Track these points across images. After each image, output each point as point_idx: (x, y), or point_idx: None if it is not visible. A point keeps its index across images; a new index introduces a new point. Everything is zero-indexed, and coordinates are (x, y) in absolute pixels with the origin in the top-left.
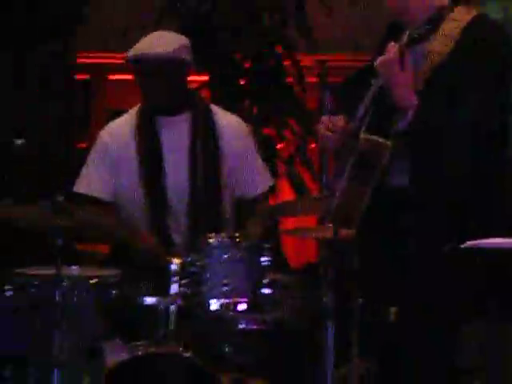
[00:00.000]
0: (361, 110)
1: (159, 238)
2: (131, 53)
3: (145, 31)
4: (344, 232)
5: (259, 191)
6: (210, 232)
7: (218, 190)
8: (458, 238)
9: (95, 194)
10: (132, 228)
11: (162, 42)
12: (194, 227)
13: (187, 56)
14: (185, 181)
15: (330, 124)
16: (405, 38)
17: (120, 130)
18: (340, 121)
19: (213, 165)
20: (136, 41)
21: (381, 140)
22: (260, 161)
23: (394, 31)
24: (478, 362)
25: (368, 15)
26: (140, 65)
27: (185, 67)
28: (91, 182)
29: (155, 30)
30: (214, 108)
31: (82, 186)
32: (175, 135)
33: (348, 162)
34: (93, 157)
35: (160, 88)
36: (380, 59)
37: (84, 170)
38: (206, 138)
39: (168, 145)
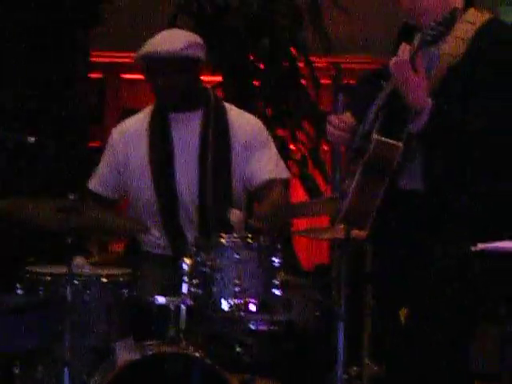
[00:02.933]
0: (372, 112)
1: (171, 236)
2: (141, 51)
3: (159, 30)
4: (356, 233)
5: (268, 177)
6: (222, 230)
7: (229, 187)
8: (472, 242)
9: (103, 192)
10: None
11: (172, 40)
12: (204, 225)
13: (198, 53)
14: (195, 178)
15: (338, 122)
16: (418, 39)
17: (132, 129)
18: (347, 118)
19: (223, 162)
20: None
21: (393, 142)
22: (274, 153)
23: (407, 33)
24: (493, 367)
25: (383, 16)
26: (150, 63)
27: (196, 64)
28: (100, 179)
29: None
30: (228, 106)
31: (92, 183)
32: (187, 132)
33: (359, 164)
34: (104, 154)
35: (171, 85)
36: (393, 61)
37: (96, 168)
38: (217, 135)
39: (179, 142)
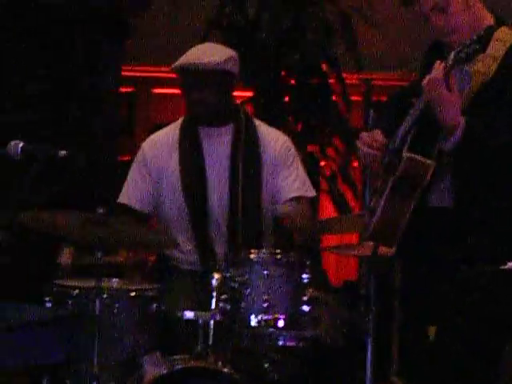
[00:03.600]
0: (403, 129)
1: (201, 250)
2: (178, 62)
3: (191, 45)
4: (384, 250)
5: (294, 195)
6: (251, 245)
7: (258, 202)
8: (502, 259)
9: (134, 205)
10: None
11: (210, 53)
12: (234, 239)
13: (234, 68)
14: (226, 193)
15: (369, 140)
16: (451, 57)
17: (162, 142)
18: (378, 136)
19: (253, 177)
20: (178, 56)
21: (424, 160)
22: (301, 171)
23: (437, 50)
24: None
25: (414, 33)
26: (186, 75)
27: (231, 79)
28: (131, 193)
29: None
30: (257, 122)
31: (123, 197)
32: (217, 146)
33: (389, 180)
34: (134, 168)
35: (205, 99)
36: (426, 78)
37: (126, 182)
38: (247, 150)
39: (210, 156)
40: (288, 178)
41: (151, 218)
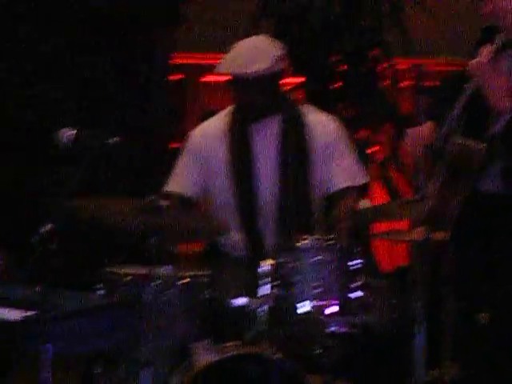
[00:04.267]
0: (454, 114)
1: (251, 239)
2: (224, 69)
3: (240, 34)
4: (436, 235)
5: (344, 185)
6: (300, 233)
7: (308, 191)
8: None
9: (183, 192)
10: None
11: (257, 58)
12: (284, 228)
13: (282, 65)
14: (275, 182)
15: (416, 136)
16: (499, 40)
17: (211, 131)
18: (425, 131)
19: (302, 166)
20: (231, 43)
21: (475, 144)
22: (352, 156)
23: (489, 34)
24: None
25: (465, 18)
26: (233, 81)
27: (279, 76)
28: (180, 180)
29: (251, 32)
30: (306, 108)
31: (171, 185)
32: (266, 136)
33: (441, 166)
34: (182, 156)
35: (254, 101)
36: (473, 62)
37: (174, 169)
38: (296, 139)
39: (258, 146)
40: (338, 167)
41: (199, 205)
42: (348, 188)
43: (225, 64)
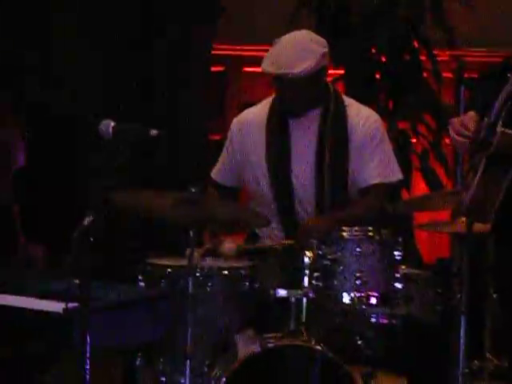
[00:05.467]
0: (498, 105)
1: (289, 232)
2: (269, 68)
3: (279, 25)
4: (479, 226)
5: (374, 182)
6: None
7: (345, 184)
8: None
9: (221, 181)
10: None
11: (303, 57)
12: None
13: (326, 61)
14: (312, 176)
15: (460, 127)
16: None
17: (250, 121)
18: (470, 121)
19: (341, 161)
20: (269, 35)
21: None
22: (387, 153)
23: None
24: None
25: (507, 9)
26: (277, 80)
27: (323, 72)
28: (220, 168)
29: (291, 24)
30: (348, 101)
31: (214, 172)
32: (305, 129)
33: (483, 157)
34: (225, 144)
35: (298, 98)
36: None
37: (220, 157)
38: (334, 133)
39: (297, 138)
40: (370, 163)
41: (239, 192)
42: (378, 184)
43: (270, 63)
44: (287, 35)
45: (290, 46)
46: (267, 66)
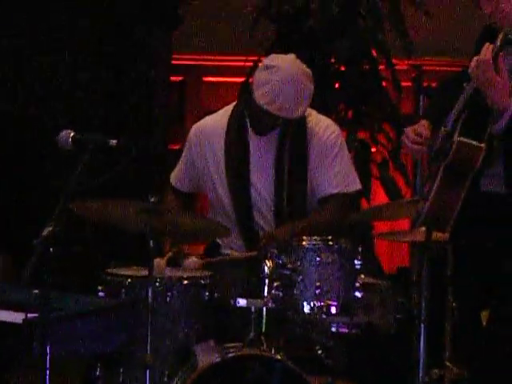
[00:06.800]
0: (454, 113)
1: (248, 240)
2: (267, 106)
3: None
4: (437, 235)
5: (333, 191)
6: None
7: (304, 193)
8: None
9: (179, 187)
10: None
11: (301, 102)
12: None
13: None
14: (271, 185)
15: (414, 135)
16: (499, 39)
17: (210, 128)
18: (424, 129)
19: (299, 168)
20: (228, 44)
21: (475, 143)
22: (347, 163)
23: (490, 34)
24: None
25: (464, 18)
26: (268, 114)
27: None
28: (177, 175)
29: (250, 34)
30: (308, 110)
31: (172, 177)
32: (264, 140)
33: (440, 166)
34: (184, 150)
35: (273, 127)
36: (473, 60)
37: (178, 162)
38: (294, 142)
39: (256, 147)
40: (329, 172)
41: (196, 198)
42: (337, 194)
43: (269, 101)
44: (280, 62)
45: (290, 85)
46: (265, 104)
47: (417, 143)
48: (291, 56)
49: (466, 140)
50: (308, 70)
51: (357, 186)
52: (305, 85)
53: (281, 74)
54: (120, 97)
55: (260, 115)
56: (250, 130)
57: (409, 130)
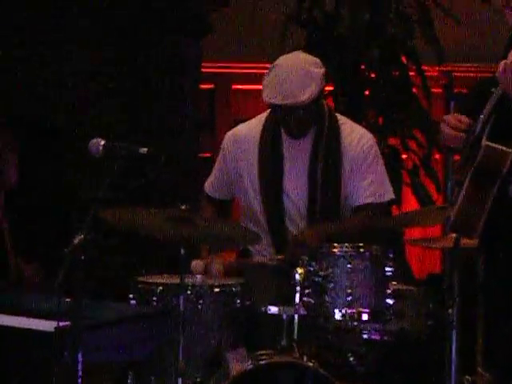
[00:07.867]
0: (482, 118)
1: (280, 248)
2: (273, 99)
3: (270, 41)
4: (466, 241)
5: (365, 201)
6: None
7: (337, 202)
8: None
9: (213, 195)
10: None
11: (305, 85)
12: None
13: (324, 84)
14: (304, 194)
15: (454, 121)
16: None
17: (244, 136)
18: (464, 118)
19: (333, 178)
20: (258, 52)
21: (502, 148)
22: (380, 173)
23: None
24: None
25: (494, 24)
26: (281, 108)
27: (323, 93)
28: (212, 181)
29: (280, 41)
30: (342, 119)
31: (206, 185)
32: (298, 147)
33: (468, 171)
34: (218, 157)
35: (299, 122)
36: (501, 64)
37: (213, 170)
38: (328, 151)
39: (290, 156)
40: (363, 182)
41: (231, 205)
42: (370, 204)
43: (273, 94)
44: (282, 59)
45: (291, 72)
46: (271, 98)
47: (457, 129)
48: (295, 52)
49: (493, 145)
50: (314, 58)
51: (390, 195)
52: (307, 70)
53: (279, 67)
54: (150, 106)
55: (277, 113)
56: (284, 137)
57: (450, 117)
